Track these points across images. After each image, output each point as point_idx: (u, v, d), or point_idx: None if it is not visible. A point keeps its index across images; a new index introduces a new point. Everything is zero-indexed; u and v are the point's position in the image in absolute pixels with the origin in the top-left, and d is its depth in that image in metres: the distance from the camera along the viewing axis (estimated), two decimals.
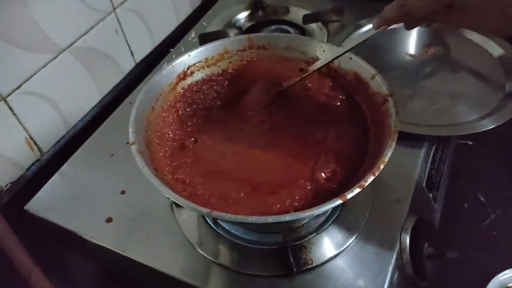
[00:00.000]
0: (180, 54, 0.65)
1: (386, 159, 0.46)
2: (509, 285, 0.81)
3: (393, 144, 0.48)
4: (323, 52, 0.64)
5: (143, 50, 0.97)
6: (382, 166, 0.46)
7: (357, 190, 0.44)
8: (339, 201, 0.43)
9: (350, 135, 0.58)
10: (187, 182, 0.54)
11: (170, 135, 0.61)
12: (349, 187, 0.44)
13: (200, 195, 0.53)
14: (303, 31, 0.98)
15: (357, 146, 0.57)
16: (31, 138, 0.75)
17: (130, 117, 0.54)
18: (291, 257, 0.57)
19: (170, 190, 0.47)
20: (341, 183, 0.52)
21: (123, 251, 0.62)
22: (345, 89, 0.63)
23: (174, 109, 0.63)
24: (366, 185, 0.44)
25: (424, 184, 0.69)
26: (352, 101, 0.62)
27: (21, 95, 0.71)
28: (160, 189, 0.47)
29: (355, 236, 0.60)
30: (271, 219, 0.43)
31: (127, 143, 0.52)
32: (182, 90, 0.64)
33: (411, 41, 0.91)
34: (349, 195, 0.44)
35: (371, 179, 0.44)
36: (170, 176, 0.54)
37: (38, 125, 0.76)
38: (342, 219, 0.62)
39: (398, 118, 0.51)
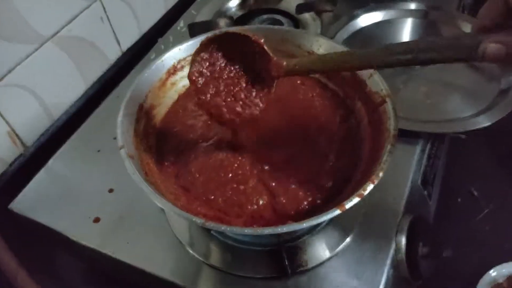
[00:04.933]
0: (168, 44, 0.62)
1: (386, 166, 0.45)
2: (500, 281, 0.82)
3: (393, 150, 0.47)
4: (319, 46, 0.62)
5: (129, 38, 0.93)
6: (381, 174, 0.44)
7: (356, 200, 0.43)
8: (337, 211, 0.42)
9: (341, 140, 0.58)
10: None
11: None
12: (346, 196, 0.43)
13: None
14: (296, 21, 0.95)
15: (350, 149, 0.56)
16: (13, 131, 0.72)
17: (118, 118, 0.52)
18: (285, 259, 0.56)
19: (162, 197, 0.45)
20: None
21: (112, 253, 0.61)
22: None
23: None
24: (365, 194, 0.43)
25: (419, 182, 0.68)
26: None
27: (2, 87, 0.68)
28: (152, 197, 0.45)
29: (350, 236, 0.60)
30: (267, 230, 0.41)
31: (115, 138, 0.50)
32: (171, 86, 0.62)
33: (406, 33, 0.90)
34: (348, 205, 0.42)
35: (370, 187, 0.43)
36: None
37: (21, 118, 0.73)
38: (337, 219, 0.61)
39: (397, 121, 0.50)
